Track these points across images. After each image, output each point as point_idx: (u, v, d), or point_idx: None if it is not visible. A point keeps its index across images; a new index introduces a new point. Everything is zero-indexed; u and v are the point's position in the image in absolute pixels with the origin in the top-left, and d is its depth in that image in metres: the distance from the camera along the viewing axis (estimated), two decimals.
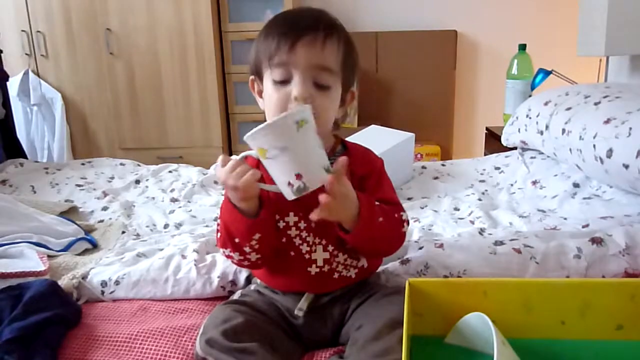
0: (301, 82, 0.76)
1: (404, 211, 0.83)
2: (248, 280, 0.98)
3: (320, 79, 0.78)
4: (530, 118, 1.61)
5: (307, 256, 0.81)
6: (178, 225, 1.35)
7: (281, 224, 0.81)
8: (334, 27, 0.79)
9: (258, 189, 0.72)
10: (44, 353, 0.77)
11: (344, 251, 0.83)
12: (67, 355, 0.80)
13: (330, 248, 0.82)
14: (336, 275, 0.83)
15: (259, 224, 0.74)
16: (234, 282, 0.99)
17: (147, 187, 1.66)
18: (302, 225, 0.81)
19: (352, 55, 0.83)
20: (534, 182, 1.49)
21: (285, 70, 0.77)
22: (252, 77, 0.86)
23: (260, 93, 0.84)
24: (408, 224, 0.83)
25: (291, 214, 0.81)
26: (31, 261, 1.02)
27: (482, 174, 1.67)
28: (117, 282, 0.98)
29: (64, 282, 0.94)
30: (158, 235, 1.26)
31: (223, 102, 2.84)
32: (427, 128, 2.95)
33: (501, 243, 0.98)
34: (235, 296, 0.91)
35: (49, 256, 1.08)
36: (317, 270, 0.82)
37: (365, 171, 0.84)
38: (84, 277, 0.98)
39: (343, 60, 0.80)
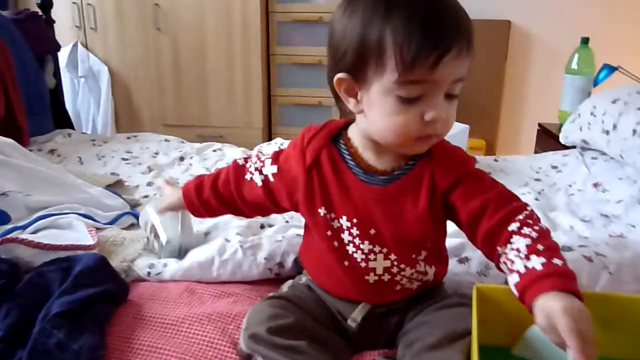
0: (440, 102, 0.65)
1: (519, 199, 0.71)
2: (296, 263, 0.94)
3: (453, 89, 0.66)
4: (595, 116, 1.51)
5: (363, 264, 0.74)
6: None
7: (335, 224, 0.75)
8: (471, 26, 0.65)
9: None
10: (92, 329, 0.75)
11: (412, 265, 0.75)
12: (114, 332, 0.79)
13: (393, 257, 0.74)
14: (398, 287, 0.76)
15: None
16: (281, 265, 0.95)
17: (191, 164, 1.65)
18: (354, 231, 0.73)
19: None
20: (595, 185, 1.41)
21: (420, 88, 0.64)
22: (341, 75, 0.68)
23: (353, 94, 0.70)
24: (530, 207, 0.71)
25: (344, 217, 0.74)
26: (80, 233, 1.01)
27: (537, 172, 1.58)
28: (165, 264, 0.96)
29: (114, 264, 0.92)
30: None
31: (266, 84, 2.81)
32: (472, 121, 2.83)
33: (569, 249, 0.92)
34: (284, 288, 0.87)
35: (96, 229, 1.07)
36: (376, 278, 0.75)
37: (450, 181, 0.71)
38: (134, 260, 0.97)
39: None
